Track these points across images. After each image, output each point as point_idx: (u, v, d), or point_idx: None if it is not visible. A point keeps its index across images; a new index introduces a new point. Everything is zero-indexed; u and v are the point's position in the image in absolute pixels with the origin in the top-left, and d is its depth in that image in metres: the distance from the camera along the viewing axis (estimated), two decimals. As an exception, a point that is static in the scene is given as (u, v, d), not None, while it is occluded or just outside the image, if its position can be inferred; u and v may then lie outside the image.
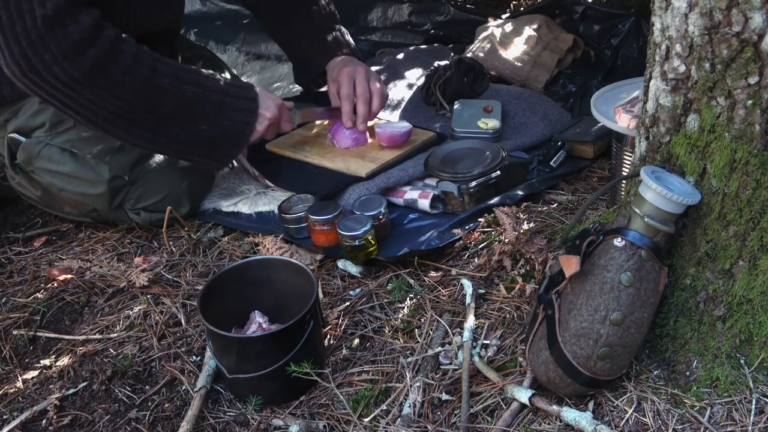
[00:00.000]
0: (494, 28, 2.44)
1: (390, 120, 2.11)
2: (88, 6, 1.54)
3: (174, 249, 1.81)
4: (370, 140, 1.98)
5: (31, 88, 1.55)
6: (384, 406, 1.31)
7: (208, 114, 1.71)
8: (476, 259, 1.62)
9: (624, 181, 1.60)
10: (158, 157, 1.82)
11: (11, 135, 1.81)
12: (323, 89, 2.11)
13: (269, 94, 1.82)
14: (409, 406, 1.29)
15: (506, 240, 1.55)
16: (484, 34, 2.43)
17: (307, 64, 2.09)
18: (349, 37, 2.11)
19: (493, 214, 1.67)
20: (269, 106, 1.78)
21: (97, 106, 1.59)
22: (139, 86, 1.60)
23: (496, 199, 1.77)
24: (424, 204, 1.78)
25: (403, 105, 2.24)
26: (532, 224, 1.66)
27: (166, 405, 1.40)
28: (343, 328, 1.51)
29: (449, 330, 1.45)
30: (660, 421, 1.19)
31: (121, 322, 1.60)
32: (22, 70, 1.51)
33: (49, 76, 1.51)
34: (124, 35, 1.60)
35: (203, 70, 1.73)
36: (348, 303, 1.57)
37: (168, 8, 1.86)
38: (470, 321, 1.44)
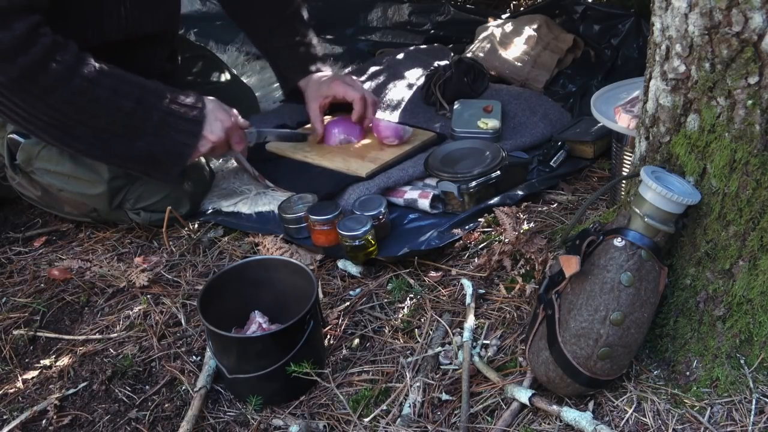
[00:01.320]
0: (494, 28, 2.45)
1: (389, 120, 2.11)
2: (28, 14, 1.52)
3: (174, 249, 1.81)
4: (365, 141, 1.99)
5: None
6: (384, 406, 1.31)
7: (147, 131, 1.66)
8: (476, 259, 1.62)
9: (624, 181, 1.60)
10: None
11: (10, 136, 1.81)
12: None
13: (221, 113, 1.76)
14: (409, 406, 1.29)
15: (506, 240, 1.55)
16: (484, 34, 2.43)
17: (283, 77, 2.09)
18: (318, 48, 2.09)
19: (493, 214, 1.67)
20: (215, 129, 1.73)
21: (27, 112, 1.57)
22: (72, 97, 1.57)
23: (496, 199, 1.78)
24: (424, 204, 1.78)
25: (403, 105, 2.24)
26: (532, 224, 1.66)
27: (166, 405, 1.40)
28: (343, 328, 1.51)
29: (449, 330, 1.45)
30: (660, 421, 1.19)
31: (121, 322, 1.60)
32: None
33: None
34: (66, 44, 1.57)
35: (153, 86, 1.67)
36: (348, 303, 1.57)
37: (162, 10, 1.85)
38: (470, 321, 1.44)
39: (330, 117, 2.08)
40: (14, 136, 1.80)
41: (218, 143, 1.75)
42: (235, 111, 1.81)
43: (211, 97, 1.78)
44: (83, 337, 1.58)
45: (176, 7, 1.94)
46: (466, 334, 1.40)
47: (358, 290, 1.61)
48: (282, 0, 2.06)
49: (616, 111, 1.58)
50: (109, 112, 1.61)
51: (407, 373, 1.35)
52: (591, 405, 1.24)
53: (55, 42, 1.55)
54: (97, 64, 1.60)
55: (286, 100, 2.23)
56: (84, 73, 1.57)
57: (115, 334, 1.57)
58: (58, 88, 1.55)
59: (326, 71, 2.07)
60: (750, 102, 1.11)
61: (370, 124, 2.01)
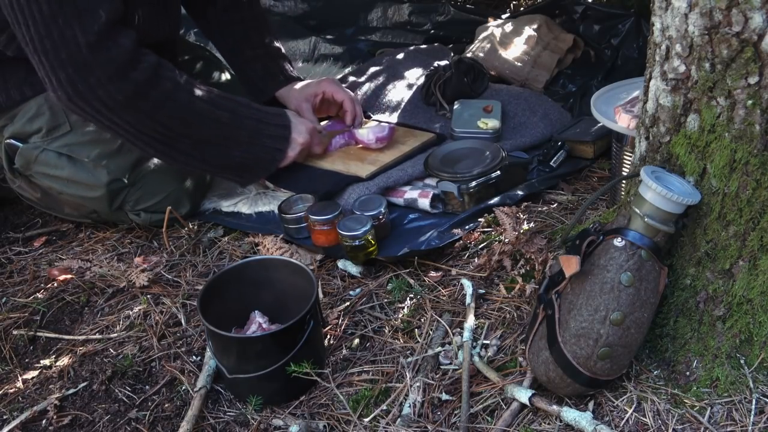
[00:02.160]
0: (494, 28, 2.45)
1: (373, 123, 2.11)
2: (124, 27, 1.57)
3: (174, 249, 1.81)
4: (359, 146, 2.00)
5: (77, 111, 1.58)
6: (384, 406, 1.31)
7: (242, 140, 1.74)
8: (476, 259, 1.62)
9: (624, 181, 1.60)
10: (157, 159, 1.82)
11: (8, 141, 1.81)
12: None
13: (301, 118, 1.86)
14: (409, 406, 1.29)
15: (506, 240, 1.55)
16: (484, 34, 2.43)
17: (257, 87, 2.10)
18: (295, 72, 2.14)
19: (493, 214, 1.67)
20: (301, 132, 1.83)
21: (137, 129, 1.63)
22: (180, 110, 1.64)
23: (496, 199, 1.77)
24: (424, 203, 1.78)
25: (403, 105, 2.24)
26: (532, 224, 1.66)
27: (166, 405, 1.40)
28: (343, 328, 1.51)
29: (449, 330, 1.45)
30: (660, 421, 1.19)
31: (121, 322, 1.60)
32: (68, 95, 1.53)
33: (94, 100, 1.54)
34: (165, 60, 1.63)
35: (238, 98, 1.76)
36: (348, 303, 1.57)
37: (165, 18, 1.87)
38: (470, 321, 1.44)
39: (327, 122, 2.08)
40: (11, 141, 1.81)
41: (306, 145, 1.83)
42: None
43: (286, 110, 1.87)
44: (83, 337, 1.58)
45: (179, 16, 1.96)
46: (466, 334, 1.40)
47: (358, 290, 1.61)
48: (251, 9, 2.07)
49: (616, 111, 1.58)
50: (210, 123, 1.68)
51: (407, 373, 1.35)
52: (591, 405, 1.24)
53: (158, 59, 1.61)
54: (192, 79, 1.68)
55: None
56: (187, 88, 1.65)
57: (115, 334, 1.57)
58: (167, 104, 1.61)
59: (304, 80, 2.11)
60: (750, 102, 1.11)
61: (361, 125, 2.03)
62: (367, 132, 1.93)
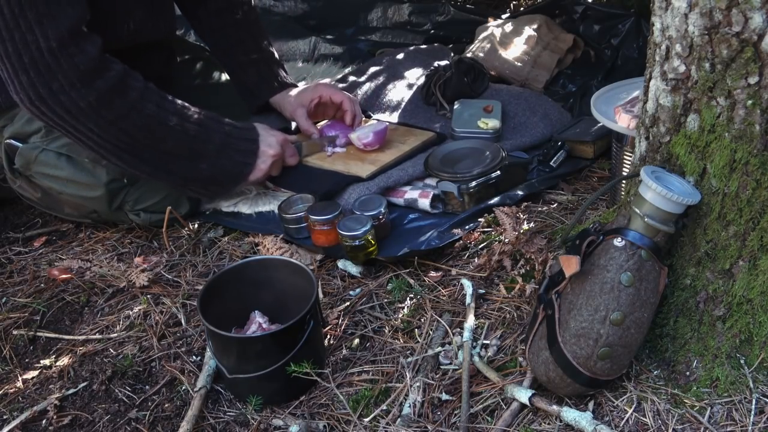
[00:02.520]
0: (494, 28, 2.45)
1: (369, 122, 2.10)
2: (91, 34, 1.56)
3: (174, 249, 1.81)
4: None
5: (38, 115, 1.57)
6: (384, 406, 1.31)
7: (209, 153, 1.74)
8: (476, 259, 1.62)
9: (624, 181, 1.60)
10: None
11: (8, 141, 1.81)
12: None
13: (271, 131, 1.86)
14: (409, 406, 1.29)
15: (506, 240, 1.55)
16: (484, 34, 2.43)
17: (251, 93, 2.10)
18: (291, 79, 2.14)
19: (493, 214, 1.67)
20: (272, 144, 1.82)
21: (100, 137, 1.61)
22: (145, 122, 1.63)
23: (496, 199, 1.77)
24: (424, 204, 1.78)
25: (403, 105, 2.24)
26: (532, 224, 1.66)
27: (166, 405, 1.40)
28: (343, 328, 1.51)
29: (449, 330, 1.45)
30: (660, 421, 1.19)
31: (121, 322, 1.60)
32: (30, 98, 1.53)
33: (55, 105, 1.53)
34: (133, 71, 1.63)
35: (207, 112, 1.75)
36: (348, 303, 1.57)
37: (160, 19, 1.87)
38: (470, 321, 1.44)
39: (326, 122, 2.08)
40: (11, 141, 1.80)
41: (277, 156, 1.82)
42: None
43: (257, 123, 1.87)
44: (83, 337, 1.58)
45: (173, 14, 1.96)
46: (466, 334, 1.40)
47: (358, 290, 1.61)
48: (244, 13, 2.07)
49: (616, 111, 1.58)
50: (176, 136, 1.67)
51: (407, 373, 1.35)
52: (591, 405, 1.24)
53: (125, 69, 1.60)
54: (161, 92, 1.67)
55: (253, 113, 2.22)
56: (154, 99, 1.64)
57: (115, 334, 1.57)
58: (131, 114, 1.60)
59: (297, 84, 2.11)
60: (750, 102, 1.11)
61: (361, 121, 2.04)
62: (356, 137, 1.93)
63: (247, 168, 1.80)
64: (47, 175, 1.81)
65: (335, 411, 1.32)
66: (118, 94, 1.58)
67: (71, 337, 1.59)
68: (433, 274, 1.62)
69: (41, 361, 1.53)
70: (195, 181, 1.78)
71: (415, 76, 2.35)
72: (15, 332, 1.61)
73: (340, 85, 2.31)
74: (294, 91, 2.06)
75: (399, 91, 2.29)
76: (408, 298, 1.56)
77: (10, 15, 1.46)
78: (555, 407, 1.22)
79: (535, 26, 2.40)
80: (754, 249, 1.19)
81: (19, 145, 1.80)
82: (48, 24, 1.48)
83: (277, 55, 2.13)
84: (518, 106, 2.11)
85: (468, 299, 1.50)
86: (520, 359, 1.36)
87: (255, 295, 1.47)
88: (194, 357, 1.49)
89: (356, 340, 1.48)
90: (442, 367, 1.38)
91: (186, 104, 1.72)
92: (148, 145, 1.67)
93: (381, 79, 2.36)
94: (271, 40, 2.13)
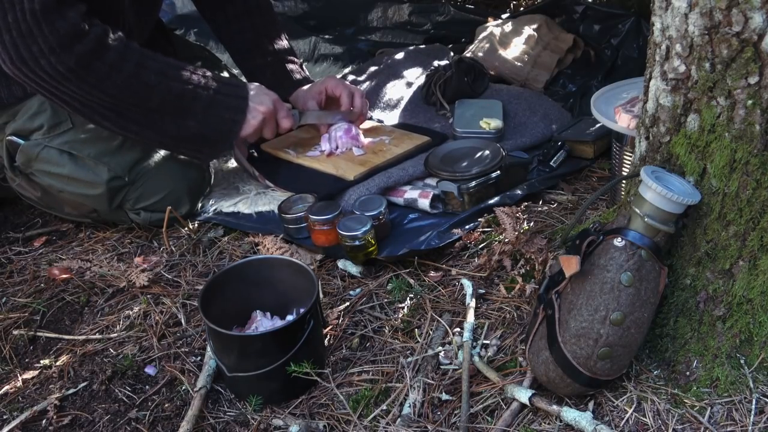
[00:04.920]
0: (494, 28, 2.45)
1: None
2: (76, 1, 1.57)
3: (174, 249, 1.81)
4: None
5: (19, 77, 1.58)
6: (384, 406, 1.31)
7: (196, 111, 1.74)
8: (476, 259, 1.62)
9: (624, 181, 1.60)
10: (157, 157, 1.83)
11: (9, 138, 1.81)
12: None
13: (267, 90, 1.85)
14: (409, 406, 1.29)
15: (506, 240, 1.55)
16: (484, 34, 2.43)
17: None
18: (305, 71, 2.16)
19: (493, 214, 1.67)
20: (263, 101, 1.82)
21: (84, 99, 1.63)
22: (125, 82, 1.63)
23: (495, 199, 1.77)
24: (424, 203, 1.78)
25: (403, 105, 2.24)
26: (532, 224, 1.66)
27: (166, 405, 1.40)
28: (343, 328, 1.51)
29: (449, 330, 1.45)
30: (660, 421, 1.19)
31: (121, 322, 1.60)
32: (11, 58, 1.54)
33: (36, 68, 1.55)
34: (115, 31, 1.63)
35: (196, 68, 1.75)
36: (348, 303, 1.57)
37: (148, 14, 1.90)
38: (470, 321, 1.44)
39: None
40: (13, 138, 1.80)
41: (267, 114, 1.82)
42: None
43: (251, 83, 1.87)
44: (83, 337, 1.58)
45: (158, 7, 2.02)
46: (466, 334, 1.40)
47: (358, 290, 1.61)
48: (261, 15, 2.09)
49: (616, 111, 1.58)
50: (160, 94, 1.68)
51: (407, 373, 1.35)
52: (591, 405, 1.24)
53: (105, 30, 1.61)
54: (144, 50, 1.67)
55: None
56: (134, 59, 1.64)
57: (115, 334, 1.57)
58: (112, 75, 1.61)
59: (311, 77, 2.13)
60: (750, 102, 1.11)
61: (365, 119, 2.06)
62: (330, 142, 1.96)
63: (236, 125, 1.80)
64: (48, 173, 1.81)
65: (335, 411, 1.32)
66: (97, 56, 1.59)
67: (71, 337, 1.59)
68: (433, 274, 1.62)
69: (41, 361, 1.53)
70: (185, 141, 1.78)
71: (415, 76, 2.36)
72: (15, 332, 1.61)
73: None
74: (306, 86, 2.08)
75: (399, 91, 2.29)
76: (408, 298, 1.56)
77: None
78: (555, 407, 1.22)
79: (535, 26, 2.40)
80: (754, 249, 1.19)
81: (21, 142, 1.80)
82: None
83: (293, 51, 2.14)
84: (518, 106, 2.11)
85: (468, 299, 1.50)
86: (520, 359, 1.36)
87: (256, 295, 1.47)
88: (194, 357, 1.49)
89: (356, 340, 1.48)
90: (442, 367, 1.38)
91: (174, 62, 1.72)
92: (132, 104, 1.67)
93: (381, 78, 2.36)
94: (285, 34, 2.14)
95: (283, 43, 2.12)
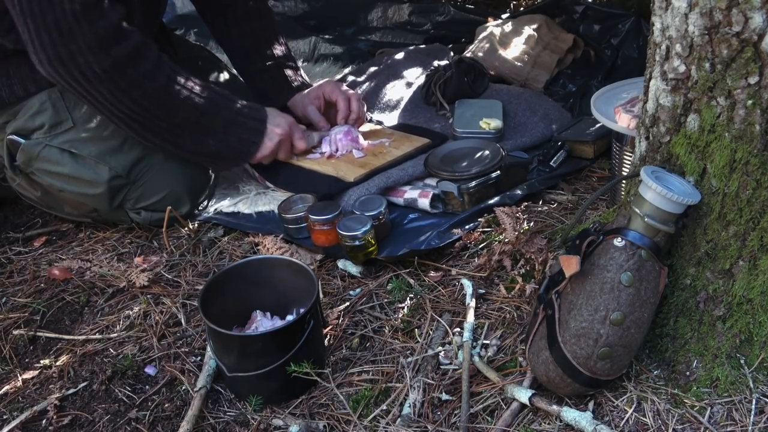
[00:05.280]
0: (494, 28, 2.45)
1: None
2: (115, 3, 1.60)
3: (174, 249, 1.81)
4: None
5: (54, 76, 1.60)
6: (384, 406, 1.31)
7: (217, 129, 1.78)
8: (476, 259, 1.62)
9: (624, 181, 1.60)
10: (158, 157, 1.83)
11: (10, 137, 1.81)
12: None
13: (283, 114, 1.90)
14: (409, 406, 1.29)
15: (506, 240, 1.55)
16: (484, 34, 2.43)
17: (267, 97, 2.11)
18: (305, 76, 2.17)
19: (493, 214, 1.66)
20: (280, 123, 1.86)
21: (112, 104, 1.66)
22: (156, 92, 1.67)
23: (495, 199, 1.77)
24: (424, 203, 1.78)
25: (403, 105, 2.24)
26: (532, 224, 1.66)
27: (166, 405, 1.40)
28: (343, 328, 1.51)
29: (449, 330, 1.45)
30: (660, 421, 1.19)
31: (121, 322, 1.60)
32: (49, 58, 1.56)
33: (73, 68, 1.57)
34: (150, 42, 1.67)
35: (218, 89, 1.80)
36: (348, 303, 1.57)
37: (154, 17, 1.91)
38: (470, 321, 1.44)
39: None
40: (14, 137, 1.80)
41: (284, 136, 1.86)
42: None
43: (267, 107, 1.90)
44: (83, 337, 1.58)
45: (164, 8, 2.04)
46: (466, 334, 1.40)
47: (358, 290, 1.61)
48: (261, 20, 2.10)
49: (616, 111, 1.58)
50: (186, 109, 1.71)
51: (407, 373, 1.35)
52: (591, 405, 1.24)
53: (143, 39, 1.64)
54: (174, 65, 1.71)
55: None
56: (166, 71, 1.68)
57: (115, 334, 1.57)
58: (144, 83, 1.64)
59: (309, 82, 2.14)
60: (750, 102, 1.11)
61: (363, 122, 2.06)
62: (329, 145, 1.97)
63: (253, 147, 1.84)
64: (49, 172, 1.81)
65: (335, 411, 1.32)
66: (133, 62, 1.62)
67: (71, 337, 1.59)
68: (433, 274, 1.62)
69: (41, 361, 1.53)
70: (202, 156, 1.83)
71: (415, 76, 2.35)
72: (15, 332, 1.61)
73: None
74: (306, 90, 2.09)
75: (399, 91, 2.29)
76: (408, 298, 1.56)
77: None
78: (555, 407, 1.22)
79: (535, 26, 2.40)
80: (754, 249, 1.19)
81: (22, 141, 1.80)
82: None
83: (291, 55, 2.15)
84: (518, 106, 2.11)
85: (468, 299, 1.50)
86: (520, 359, 1.36)
87: (256, 295, 1.47)
88: (194, 357, 1.49)
89: (356, 340, 1.48)
90: (442, 367, 1.38)
91: (198, 80, 1.75)
92: (158, 116, 1.70)
93: (381, 79, 2.36)
94: (284, 39, 2.16)
95: (282, 48, 2.13)
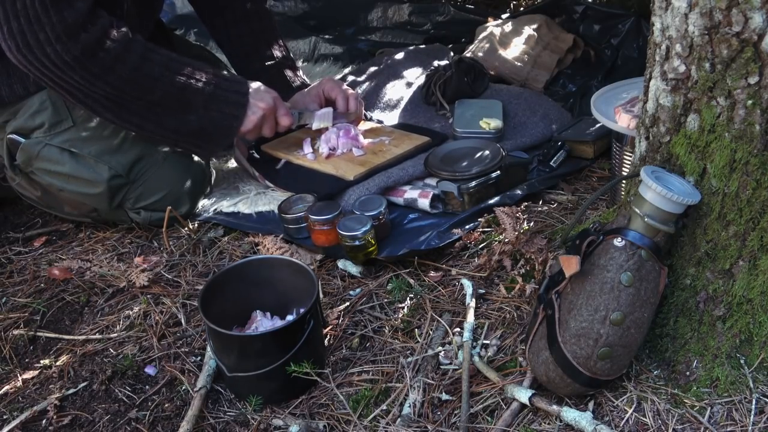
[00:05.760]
0: (494, 28, 2.45)
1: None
2: None
3: (174, 249, 1.81)
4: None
5: (24, 64, 1.59)
6: (384, 406, 1.31)
7: (197, 104, 1.75)
8: (476, 259, 1.62)
9: (624, 181, 1.60)
10: (158, 157, 1.83)
11: (10, 136, 1.81)
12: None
13: (268, 89, 1.86)
14: (409, 406, 1.29)
15: (506, 240, 1.55)
16: (484, 34, 2.43)
17: None
18: (303, 76, 2.17)
19: (493, 214, 1.66)
20: (264, 98, 1.83)
21: (86, 89, 1.65)
22: (129, 74, 1.65)
23: (495, 199, 1.77)
24: (424, 203, 1.78)
25: (403, 105, 2.24)
26: (532, 224, 1.66)
27: (166, 405, 1.40)
28: (343, 328, 1.51)
29: (449, 330, 1.45)
30: (660, 421, 1.19)
31: (121, 322, 1.60)
32: (18, 45, 1.56)
33: (42, 56, 1.56)
34: (120, 24, 1.64)
35: (198, 63, 1.77)
36: (348, 303, 1.57)
37: (150, 16, 1.90)
38: (470, 321, 1.44)
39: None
40: (14, 136, 1.80)
41: (267, 110, 1.83)
42: None
43: (252, 81, 1.87)
44: (83, 337, 1.58)
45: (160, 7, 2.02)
46: (466, 334, 1.40)
47: (358, 290, 1.61)
48: (260, 21, 2.10)
49: (616, 111, 1.58)
50: (163, 87, 1.69)
51: (407, 373, 1.35)
52: (591, 405, 1.24)
53: (111, 21, 1.62)
54: (148, 43, 1.68)
55: None
56: (139, 51, 1.66)
57: (115, 334, 1.57)
58: (116, 66, 1.63)
59: (308, 82, 2.14)
60: (750, 102, 1.11)
61: (361, 119, 2.07)
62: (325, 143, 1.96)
63: (236, 121, 1.81)
64: (49, 171, 1.81)
65: (335, 411, 1.32)
66: (102, 46, 1.60)
67: (71, 337, 1.59)
68: (433, 274, 1.62)
69: (41, 361, 1.53)
70: (185, 135, 1.79)
71: (415, 76, 2.35)
72: (15, 332, 1.61)
73: None
74: (305, 90, 2.09)
75: (399, 91, 2.29)
76: (408, 298, 1.56)
77: None
78: (555, 407, 1.22)
79: (535, 26, 2.40)
80: (754, 249, 1.19)
81: (22, 140, 1.80)
82: None
83: (290, 55, 2.16)
84: (518, 106, 2.11)
85: (468, 299, 1.50)
86: (520, 359, 1.36)
87: (256, 295, 1.47)
88: (194, 357, 1.49)
89: (356, 340, 1.48)
90: (442, 367, 1.38)
91: (177, 57, 1.73)
92: (135, 96, 1.69)
93: (381, 79, 2.36)
94: (283, 39, 2.16)
95: (281, 48, 2.14)
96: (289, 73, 2.11)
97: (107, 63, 1.62)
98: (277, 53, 2.11)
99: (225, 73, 1.82)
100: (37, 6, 1.52)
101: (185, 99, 1.73)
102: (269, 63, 2.09)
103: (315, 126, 1.98)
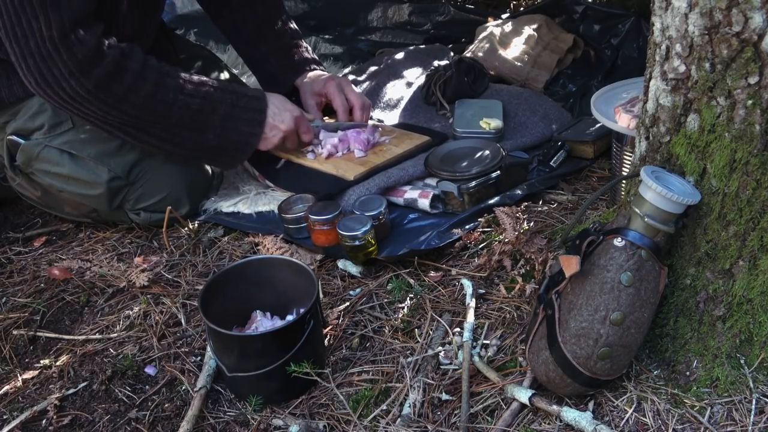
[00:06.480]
0: (494, 28, 2.45)
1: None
2: (92, 22, 1.61)
3: (174, 249, 1.81)
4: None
5: (46, 98, 1.64)
6: (384, 406, 1.31)
7: (215, 123, 1.76)
8: (476, 259, 1.62)
9: (624, 181, 1.60)
10: (157, 158, 1.83)
11: (10, 137, 1.81)
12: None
13: (288, 105, 1.86)
14: (409, 406, 1.29)
15: (506, 240, 1.55)
16: (484, 34, 2.43)
17: (276, 80, 2.11)
18: (311, 52, 2.16)
19: (493, 214, 1.66)
20: (284, 119, 1.83)
21: (106, 117, 1.67)
22: (144, 102, 1.67)
23: (495, 199, 1.77)
24: (424, 204, 1.78)
25: (403, 104, 2.24)
26: (532, 224, 1.66)
27: (166, 405, 1.40)
28: (343, 328, 1.51)
29: (449, 330, 1.45)
30: (660, 421, 1.19)
31: (121, 322, 1.60)
32: (37, 81, 1.59)
33: (59, 90, 1.60)
34: (132, 50, 1.66)
35: (214, 81, 1.78)
36: (348, 303, 1.57)
37: (151, 17, 1.90)
38: (470, 321, 1.44)
39: (328, 118, 2.08)
40: (14, 137, 1.81)
41: (288, 132, 1.84)
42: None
43: (275, 93, 1.88)
44: (83, 337, 1.58)
45: (161, 10, 2.02)
46: (466, 334, 1.40)
47: (358, 290, 1.61)
48: (262, 3, 2.08)
49: (616, 111, 1.58)
50: (179, 111, 1.71)
51: (407, 373, 1.35)
52: (591, 405, 1.24)
53: (122, 51, 1.64)
54: (162, 67, 1.70)
55: None
56: (153, 78, 1.67)
57: (115, 334, 1.57)
58: (130, 96, 1.65)
59: (322, 71, 2.11)
60: (750, 102, 1.11)
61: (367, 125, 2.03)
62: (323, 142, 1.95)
63: (253, 138, 1.82)
64: (48, 173, 1.81)
65: (335, 411, 1.32)
66: (115, 79, 1.62)
67: (71, 337, 1.59)
68: (433, 274, 1.62)
69: (41, 361, 1.53)
70: (204, 152, 1.81)
71: (415, 76, 2.35)
72: (15, 332, 1.61)
73: None
74: (311, 76, 2.07)
75: (399, 91, 2.29)
76: (408, 298, 1.56)
77: (18, 0, 1.52)
78: (555, 407, 1.22)
79: (535, 26, 2.40)
80: (754, 249, 1.19)
81: (22, 141, 1.80)
82: (51, 13, 1.53)
83: (298, 33, 2.13)
84: (518, 106, 2.11)
85: (468, 299, 1.50)
86: (520, 359, 1.36)
87: (256, 295, 1.47)
88: (194, 357, 1.49)
89: (356, 340, 1.48)
90: (442, 367, 1.38)
91: (192, 77, 1.74)
92: (152, 121, 1.71)
93: (381, 78, 2.36)
94: (288, 17, 2.13)
95: (288, 26, 2.11)
96: (296, 51, 2.09)
97: (121, 94, 1.64)
98: (283, 32, 2.09)
99: (244, 87, 1.81)
100: (48, 45, 1.55)
101: (202, 119, 1.74)
102: (275, 45, 2.07)
103: (325, 154, 1.95)
